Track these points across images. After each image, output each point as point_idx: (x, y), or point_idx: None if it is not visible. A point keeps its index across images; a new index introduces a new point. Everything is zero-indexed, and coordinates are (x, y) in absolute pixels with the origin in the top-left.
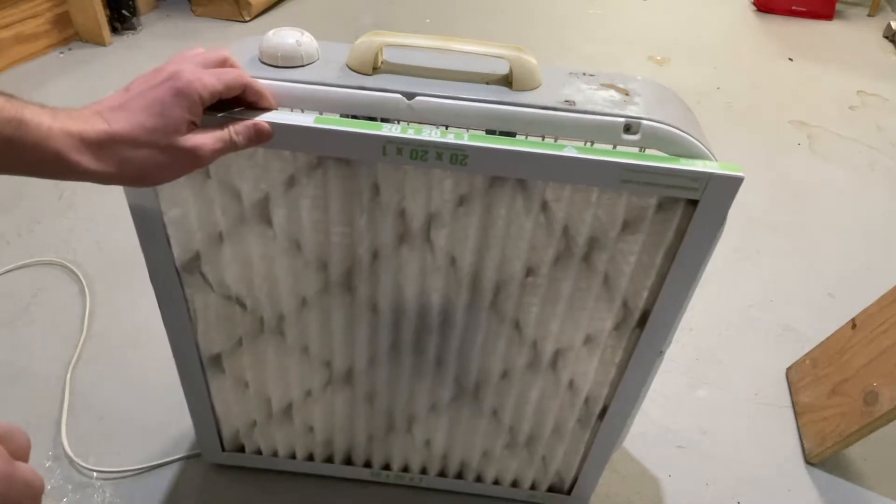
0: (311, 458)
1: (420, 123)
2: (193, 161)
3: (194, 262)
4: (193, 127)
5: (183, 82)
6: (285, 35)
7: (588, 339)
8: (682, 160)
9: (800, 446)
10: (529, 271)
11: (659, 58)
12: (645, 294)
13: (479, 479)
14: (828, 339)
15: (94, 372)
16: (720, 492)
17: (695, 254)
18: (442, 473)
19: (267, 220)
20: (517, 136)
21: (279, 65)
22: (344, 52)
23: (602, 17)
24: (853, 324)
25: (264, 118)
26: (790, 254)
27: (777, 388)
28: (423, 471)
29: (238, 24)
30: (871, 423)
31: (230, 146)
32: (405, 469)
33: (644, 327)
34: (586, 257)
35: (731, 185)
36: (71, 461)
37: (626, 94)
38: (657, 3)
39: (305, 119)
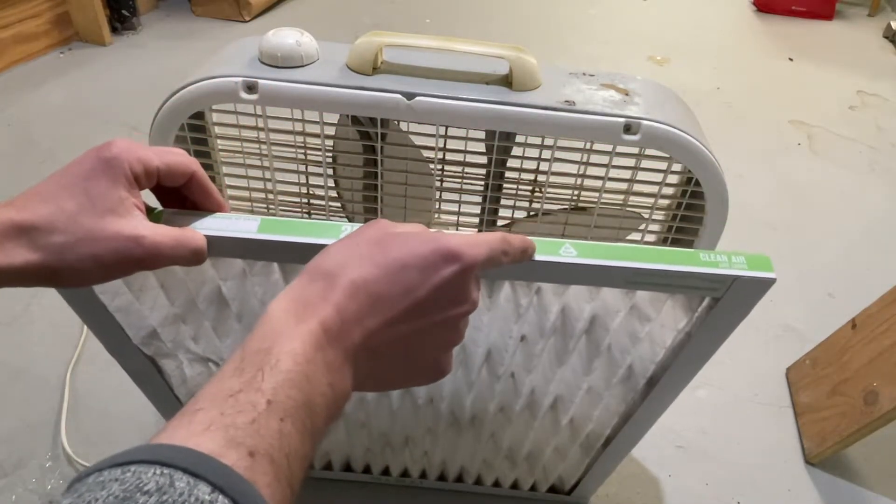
0: (310, 465)
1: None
2: (135, 252)
3: (152, 336)
4: (136, 211)
5: (111, 153)
6: (285, 35)
7: (590, 391)
8: (703, 256)
9: (800, 446)
10: (524, 337)
11: (659, 58)
12: (653, 367)
13: (478, 482)
14: (828, 339)
15: (94, 372)
16: (720, 492)
17: (712, 339)
18: (441, 478)
19: (224, 302)
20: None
21: (279, 65)
22: (344, 52)
23: (602, 17)
24: (853, 324)
25: (201, 225)
26: (790, 254)
27: (777, 388)
28: (423, 475)
29: (238, 24)
30: (871, 423)
31: (182, 248)
32: (404, 474)
33: (652, 387)
34: (588, 332)
35: (759, 287)
36: (71, 461)
37: (626, 94)
38: (657, 3)
39: (248, 228)
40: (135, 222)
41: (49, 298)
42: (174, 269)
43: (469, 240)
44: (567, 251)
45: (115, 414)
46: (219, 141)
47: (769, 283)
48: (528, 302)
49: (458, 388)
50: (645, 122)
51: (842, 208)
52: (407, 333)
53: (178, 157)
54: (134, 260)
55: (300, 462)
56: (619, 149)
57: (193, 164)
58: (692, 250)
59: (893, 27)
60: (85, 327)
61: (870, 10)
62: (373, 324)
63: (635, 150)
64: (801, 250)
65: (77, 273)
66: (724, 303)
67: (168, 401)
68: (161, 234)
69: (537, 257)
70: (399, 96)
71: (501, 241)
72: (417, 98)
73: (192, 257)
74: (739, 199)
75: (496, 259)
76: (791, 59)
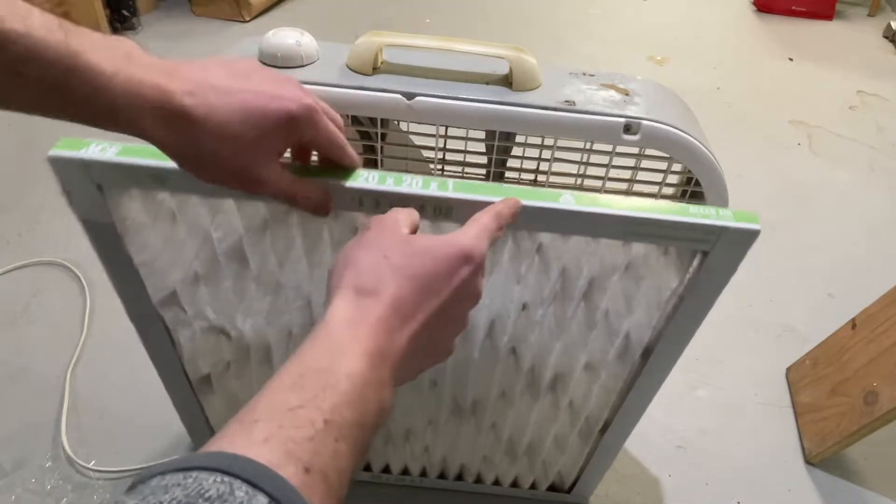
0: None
1: (402, 172)
2: (248, 188)
3: (171, 298)
4: (275, 158)
5: (303, 111)
6: (285, 35)
7: (588, 366)
8: (693, 210)
9: (800, 446)
10: (525, 305)
11: (659, 58)
12: (649, 333)
13: (478, 480)
14: (828, 339)
15: (94, 372)
16: (720, 492)
17: (704, 300)
18: (441, 476)
19: (243, 261)
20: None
21: (279, 65)
22: (344, 52)
23: (602, 17)
24: (853, 324)
25: None
26: (790, 254)
27: (777, 388)
28: (423, 474)
29: (238, 24)
30: (871, 423)
31: (289, 200)
32: (404, 472)
33: (648, 359)
34: (586, 296)
35: (745, 238)
36: (71, 461)
37: (626, 94)
38: (657, 2)
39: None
40: (266, 171)
41: (49, 298)
42: (200, 217)
43: (473, 233)
44: (566, 200)
45: (115, 414)
46: None
47: (754, 234)
48: (529, 262)
49: (460, 364)
50: (645, 122)
51: (842, 208)
52: (433, 332)
53: (343, 140)
54: (244, 190)
55: (348, 480)
56: (619, 149)
57: (346, 146)
58: (683, 205)
59: (893, 27)
60: (85, 327)
61: (870, 10)
62: (411, 333)
63: (635, 150)
64: (801, 250)
65: (201, 174)
66: (713, 257)
67: (175, 374)
68: (280, 183)
69: (538, 204)
70: (399, 96)
71: (495, 218)
72: (417, 98)
73: (307, 209)
74: (739, 199)
75: (495, 238)
76: (791, 59)
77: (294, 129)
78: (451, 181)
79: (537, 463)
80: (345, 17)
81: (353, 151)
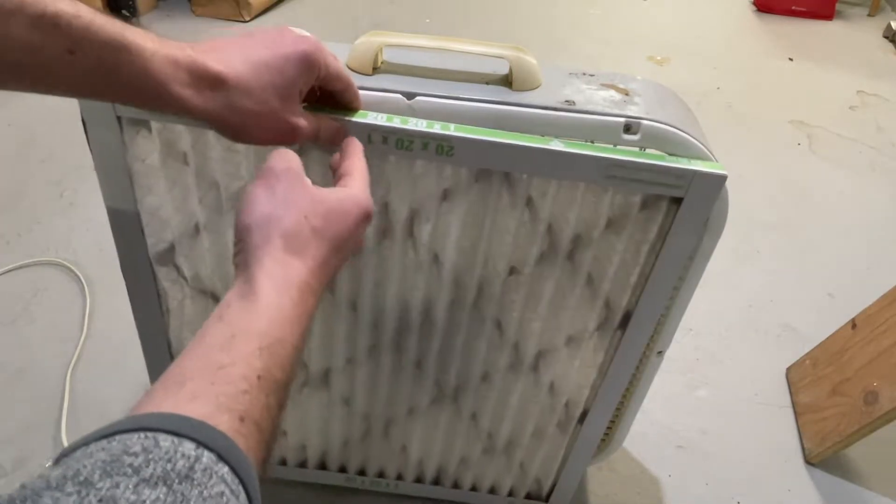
0: (283, 462)
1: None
2: (288, 137)
3: (168, 253)
4: (300, 102)
5: (314, 48)
6: None
7: (570, 340)
8: (668, 157)
9: (800, 446)
10: (513, 269)
11: (659, 58)
12: (628, 294)
13: (455, 485)
14: (828, 339)
15: (94, 372)
16: (720, 492)
17: (678, 253)
18: (418, 480)
19: None
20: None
21: None
22: (344, 52)
23: (602, 17)
24: (853, 324)
25: None
26: (790, 254)
27: (777, 388)
28: (399, 477)
29: (238, 24)
30: (871, 423)
31: (314, 138)
32: (381, 475)
33: (626, 328)
34: (570, 255)
35: (714, 183)
36: None
37: (626, 94)
38: (657, 2)
39: None
40: (300, 115)
41: (49, 298)
42: (210, 161)
43: (364, 186)
44: (556, 144)
45: (115, 414)
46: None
47: (722, 179)
48: (520, 216)
49: (445, 344)
50: (645, 121)
51: (842, 208)
52: (336, 274)
53: (346, 71)
54: (285, 142)
55: (277, 434)
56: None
57: (351, 82)
58: (659, 153)
59: (893, 27)
60: (85, 327)
61: (870, 10)
62: (323, 287)
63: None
64: (801, 250)
65: (247, 134)
66: (687, 204)
67: (160, 348)
68: (310, 125)
69: (532, 145)
70: (399, 96)
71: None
72: (417, 98)
73: (327, 143)
74: (739, 199)
75: None
76: (791, 59)
77: (313, 65)
78: (452, 124)
79: (515, 462)
80: (345, 17)
81: (355, 85)
